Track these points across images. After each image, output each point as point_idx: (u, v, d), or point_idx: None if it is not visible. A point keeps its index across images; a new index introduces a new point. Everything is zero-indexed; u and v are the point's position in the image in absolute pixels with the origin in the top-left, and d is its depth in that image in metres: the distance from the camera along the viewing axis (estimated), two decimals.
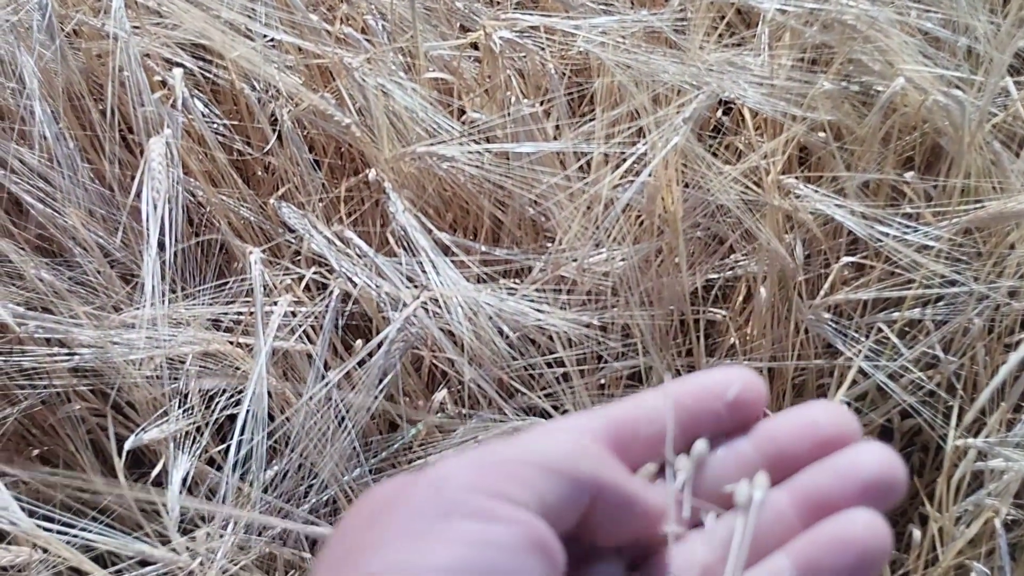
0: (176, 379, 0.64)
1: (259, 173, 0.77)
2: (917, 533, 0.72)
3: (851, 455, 0.26)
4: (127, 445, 0.59)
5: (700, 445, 0.27)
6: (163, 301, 0.63)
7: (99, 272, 0.68)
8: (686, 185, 0.68)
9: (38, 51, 0.66)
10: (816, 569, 0.24)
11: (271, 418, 0.66)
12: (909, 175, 0.72)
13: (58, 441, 0.77)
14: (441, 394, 0.67)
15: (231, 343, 0.63)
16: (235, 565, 0.58)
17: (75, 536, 0.53)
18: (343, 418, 0.62)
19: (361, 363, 0.62)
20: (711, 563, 0.26)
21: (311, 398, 0.62)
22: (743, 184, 0.67)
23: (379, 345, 0.59)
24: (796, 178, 0.67)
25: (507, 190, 0.68)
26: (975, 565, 0.59)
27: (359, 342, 0.71)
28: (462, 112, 0.72)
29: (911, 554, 0.71)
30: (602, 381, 0.70)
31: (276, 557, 0.61)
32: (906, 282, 0.66)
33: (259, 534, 0.61)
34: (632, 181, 0.65)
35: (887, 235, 0.65)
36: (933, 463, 0.81)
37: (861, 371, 0.68)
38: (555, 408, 0.65)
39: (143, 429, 0.61)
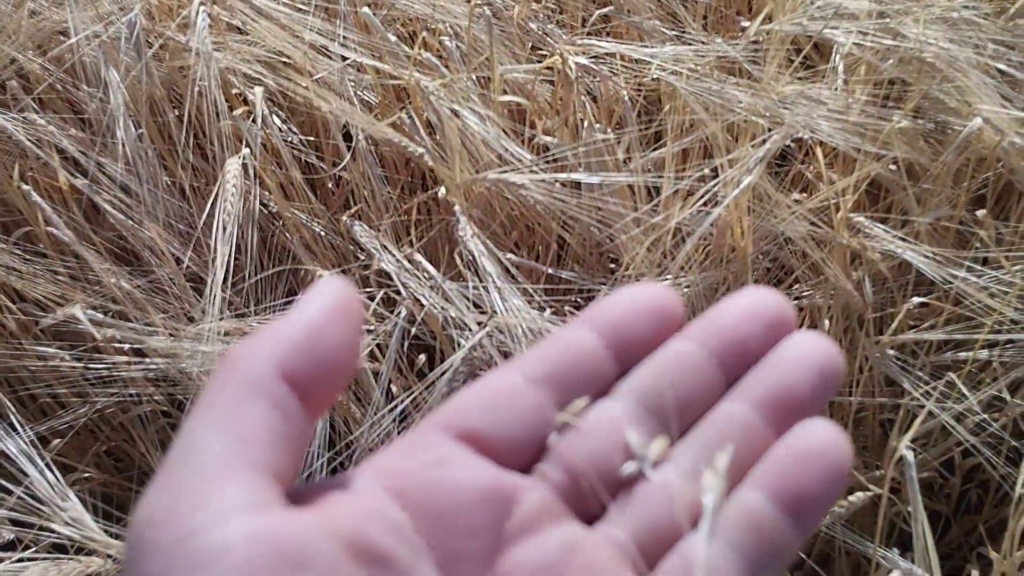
0: None
1: (329, 186, 0.79)
2: (976, 574, 0.71)
3: (795, 345, 0.25)
4: None
5: (579, 403, 0.25)
6: (234, 315, 0.64)
7: (173, 282, 0.70)
8: (754, 215, 0.67)
9: (125, 64, 0.68)
10: (788, 493, 0.23)
11: (336, 433, 0.67)
12: (980, 213, 0.71)
13: (127, 439, 0.79)
14: None
15: None
16: None
17: None
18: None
19: (425, 381, 0.63)
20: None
21: (376, 414, 0.63)
22: (812, 219, 0.66)
23: (443, 372, 0.60)
24: (867, 216, 0.66)
25: (574, 215, 0.69)
26: None
27: (422, 357, 0.72)
28: (532, 136, 0.72)
29: None
30: None
31: None
32: (976, 325, 0.65)
33: None
34: (702, 211, 0.65)
35: (957, 277, 0.65)
36: (992, 500, 0.80)
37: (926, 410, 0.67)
38: None
39: None
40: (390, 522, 0.22)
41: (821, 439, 0.24)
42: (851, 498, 0.62)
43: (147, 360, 0.66)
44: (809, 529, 0.24)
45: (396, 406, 0.61)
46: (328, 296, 0.23)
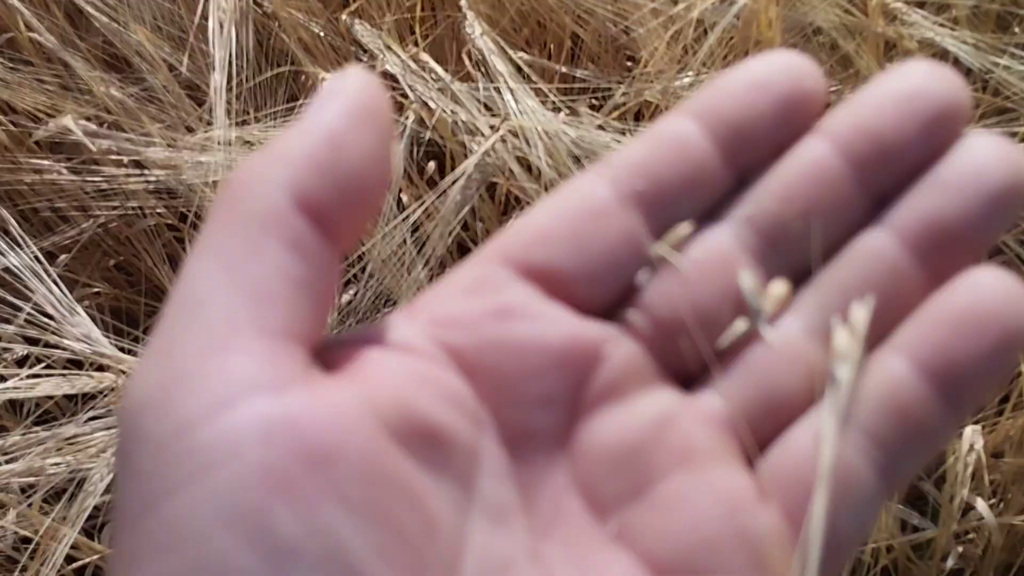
0: None
1: None
2: None
3: (968, 156, 0.19)
4: None
5: (681, 231, 0.20)
6: (234, 123, 0.61)
7: (167, 90, 0.66)
8: (782, 4, 0.63)
9: None
10: (943, 368, 0.18)
11: None
12: None
13: (136, 253, 0.78)
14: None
15: None
16: None
17: None
18: (421, 247, 0.61)
19: (436, 190, 0.61)
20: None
21: (387, 225, 0.61)
22: (844, 6, 0.62)
23: (455, 180, 0.57)
24: (903, 2, 0.62)
25: (590, 8, 0.64)
26: None
27: (431, 164, 0.69)
28: None
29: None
30: None
31: None
32: (1017, 117, 0.61)
33: None
34: (725, 1, 0.60)
35: (998, 65, 0.61)
36: None
37: None
38: None
39: None
40: (446, 391, 0.18)
41: (992, 295, 0.18)
42: None
43: (147, 172, 0.64)
44: (965, 413, 0.19)
45: (407, 217, 0.59)
46: (348, 95, 0.18)
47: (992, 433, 0.62)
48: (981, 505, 0.59)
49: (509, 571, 0.18)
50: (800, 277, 0.20)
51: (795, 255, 0.20)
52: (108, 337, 0.56)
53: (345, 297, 0.65)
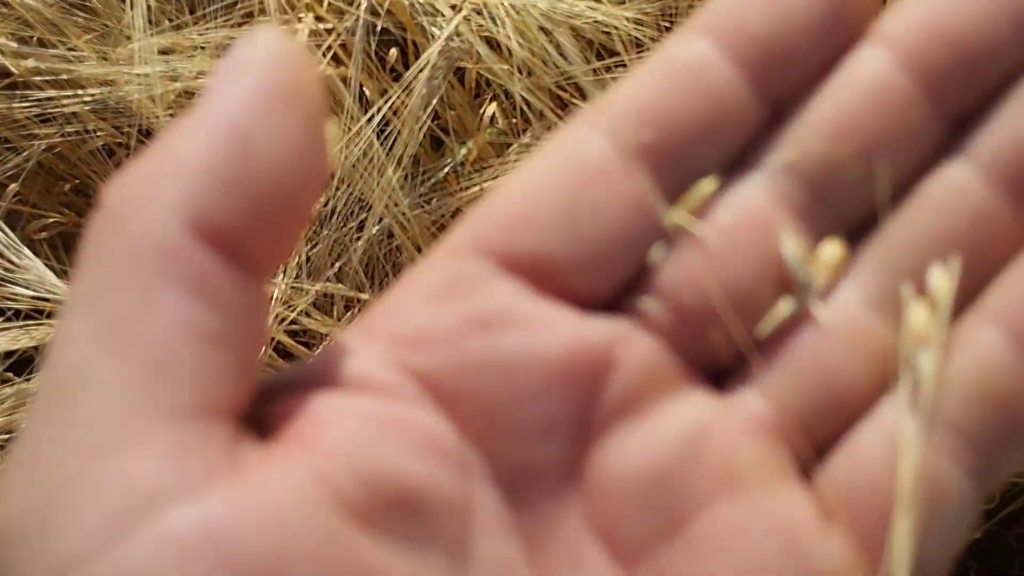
0: None
1: None
2: None
3: None
4: None
5: (703, 188, 0.15)
6: (171, 28, 0.56)
7: None
8: None
9: None
10: None
11: None
12: None
13: (90, 175, 0.73)
14: (490, 108, 0.61)
15: None
16: (291, 310, 0.56)
17: None
18: (391, 146, 0.57)
19: (401, 83, 0.56)
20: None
21: (350, 129, 0.57)
22: None
23: (420, 70, 0.52)
24: None
25: None
26: None
27: (392, 52, 0.64)
28: None
29: None
30: None
31: (333, 297, 0.59)
32: None
33: (311, 276, 0.58)
34: None
35: None
36: None
37: None
38: None
39: None
40: (418, 436, 0.15)
41: None
42: None
43: (82, 92, 0.58)
44: None
45: (372, 117, 0.54)
46: (257, 71, 0.14)
47: None
48: None
49: None
50: (859, 234, 0.16)
51: (852, 206, 0.15)
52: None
53: (315, 207, 0.61)
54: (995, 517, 0.79)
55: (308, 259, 0.60)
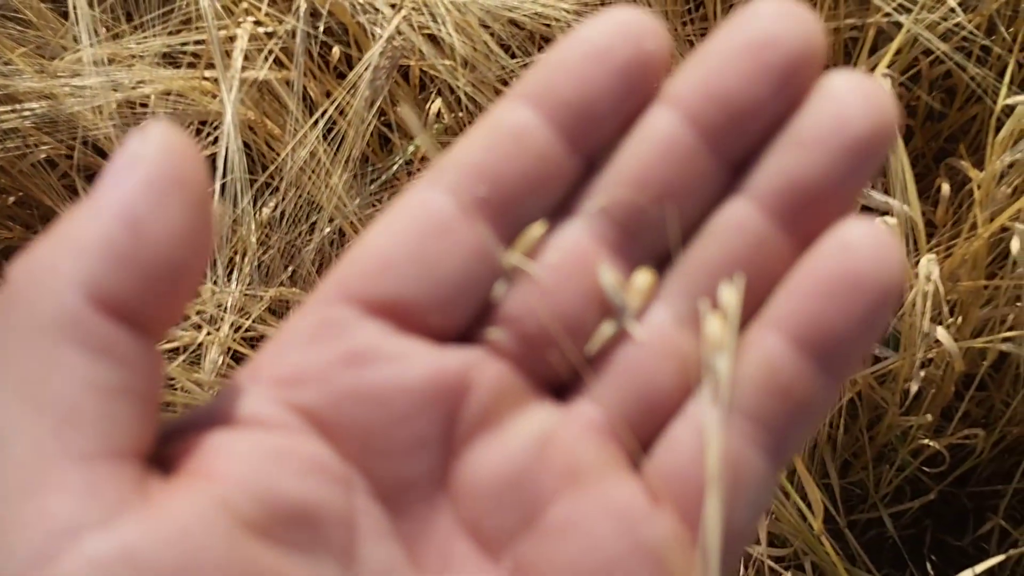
0: (142, 124, 0.58)
1: None
2: (946, 187, 0.69)
3: (824, 107, 0.17)
4: None
5: (533, 232, 0.18)
6: (109, 37, 0.55)
7: (27, 6, 0.59)
8: None
9: None
10: (818, 338, 0.17)
11: (257, 158, 0.61)
12: None
13: (32, 187, 0.72)
14: (435, 104, 0.62)
15: (197, 79, 0.56)
16: (246, 317, 0.56)
17: None
18: (338, 147, 0.57)
19: (346, 84, 0.56)
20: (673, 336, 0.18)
21: (295, 132, 0.57)
22: None
23: (365, 69, 0.52)
24: None
25: None
26: (1016, 226, 0.57)
27: (336, 50, 0.64)
28: None
29: (939, 210, 0.69)
30: None
31: (288, 302, 0.59)
32: None
33: (265, 282, 0.58)
34: None
35: None
36: (958, 104, 0.77)
37: (896, 27, 0.61)
38: None
39: None
40: (305, 461, 0.16)
41: (861, 253, 0.17)
42: None
43: (20, 107, 0.58)
44: (846, 378, 0.18)
45: (317, 120, 0.54)
46: (148, 163, 0.15)
47: (948, 259, 0.61)
48: (941, 333, 0.59)
49: None
50: (665, 262, 0.19)
51: (656, 240, 0.18)
52: None
53: (266, 212, 0.60)
54: (947, 478, 0.82)
55: (260, 265, 0.60)
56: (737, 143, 0.18)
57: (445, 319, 0.18)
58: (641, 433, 0.18)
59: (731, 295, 0.18)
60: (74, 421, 0.15)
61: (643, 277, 0.18)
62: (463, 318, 0.18)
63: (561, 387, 0.19)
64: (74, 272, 0.15)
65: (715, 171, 0.18)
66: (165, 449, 0.16)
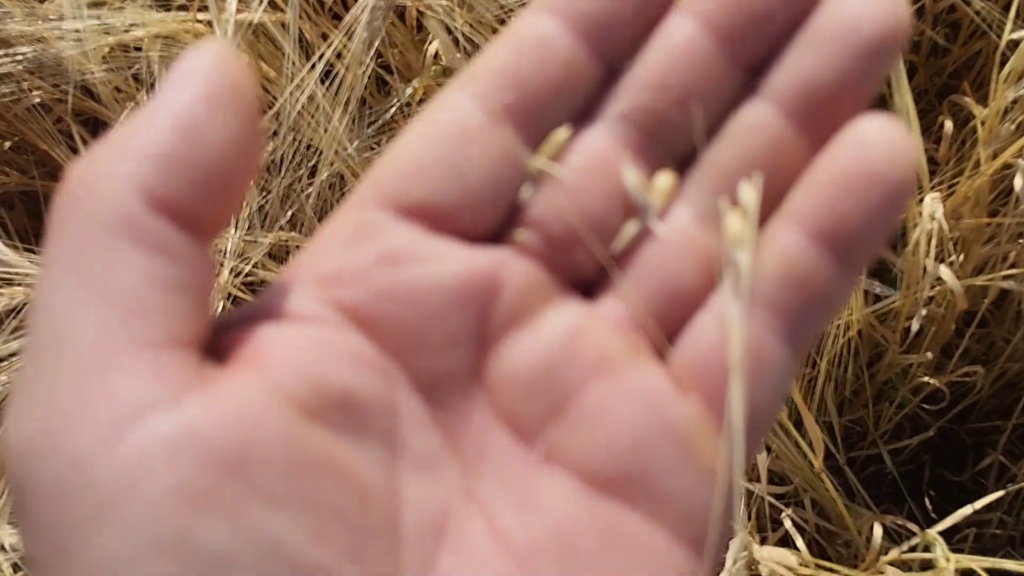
0: (135, 67, 0.57)
1: None
2: (949, 124, 0.69)
3: (837, 9, 0.18)
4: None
5: (558, 137, 0.19)
6: None
7: None
8: None
9: None
10: (834, 232, 0.18)
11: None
12: None
13: (28, 132, 0.71)
14: (433, 46, 0.61)
15: (190, 21, 0.55)
16: (245, 263, 0.56)
17: None
18: (337, 90, 0.56)
19: (342, 27, 0.55)
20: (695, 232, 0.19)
21: (293, 77, 0.56)
22: None
23: (361, 12, 0.51)
24: None
25: None
26: (1020, 163, 0.56)
27: None
28: None
29: (941, 147, 0.69)
30: None
31: (288, 247, 0.59)
32: None
33: (265, 226, 0.58)
34: None
35: None
36: (962, 39, 0.76)
37: None
38: None
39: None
40: (349, 352, 0.17)
41: (874, 149, 0.17)
42: None
43: (13, 51, 0.57)
44: (860, 269, 0.19)
45: (315, 64, 0.53)
46: (205, 76, 0.16)
47: (951, 197, 0.61)
48: (944, 272, 0.59)
49: (448, 516, 0.18)
50: (686, 164, 0.19)
51: (677, 142, 0.19)
52: (15, 247, 0.51)
53: (264, 156, 0.60)
54: (947, 415, 0.82)
55: (260, 209, 0.60)
56: (753, 47, 0.18)
57: (475, 221, 0.19)
58: (666, 326, 0.19)
59: (750, 193, 0.18)
60: (138, 311, 0.16)
61: (665, 178, 0.19)
62: (492, 220, 0.19)
63: (588, 285, 0.19)
64: (132, 175, 0.16)
65: (732, 74, 0.19)
66: (218, 341, 0.17)
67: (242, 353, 0.17)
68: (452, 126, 0.18)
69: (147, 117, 0.16)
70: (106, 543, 0.15)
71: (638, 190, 0.19)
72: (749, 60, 0.19)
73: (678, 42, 0.19)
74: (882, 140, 0.18)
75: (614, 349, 0.19)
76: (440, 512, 0.18)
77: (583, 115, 0.19)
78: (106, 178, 0.16)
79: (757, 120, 0.19)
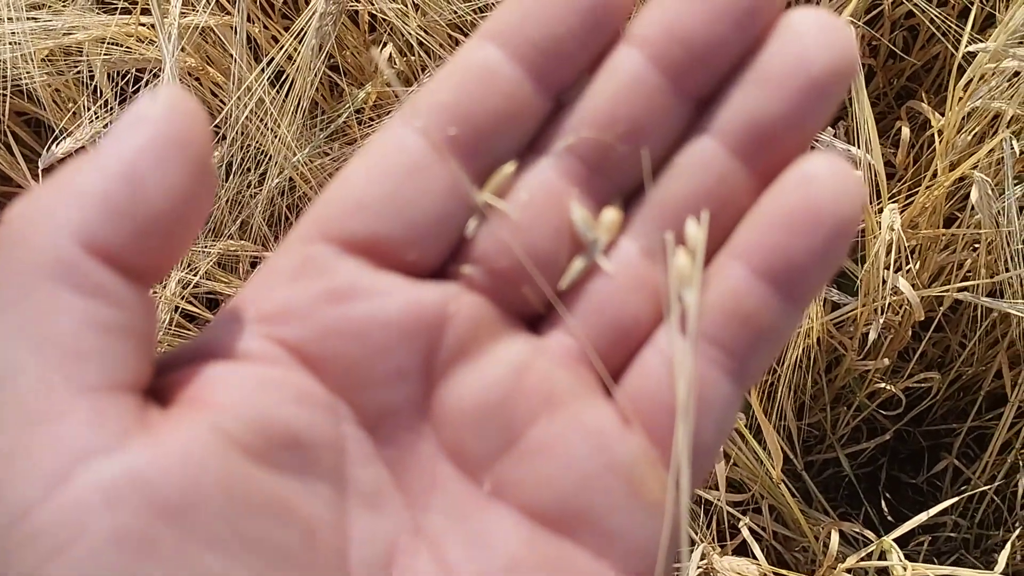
0: (77, 69, 0.55)
1: None
2: (906, 131, 0.69)
3: (785, 45, 0.18)
4: (41, 164, 0.52)
5: (505, 171, 0.18)
6: None
7: None
8: None
9: None
10: (779, 268, 0.18)
11: (205, 104, 0.58)
12: None
13: None
14: (386, 50, 0.59)
15: (133, 25, 0.53)
16: (194, 274, 0.54)
17: None
18: (285, 95, 0.55)
19: (292, 31, 0.54)
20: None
21: (242, 81, 0.54)
22: None
23: (311, 17, 0.50)
24: None
25: None
26: (975, 175, 0.56)
27: None
28: None
29: (899, 153, 0.69)
30: None
31: (238, 256, 0.57)
32: None
33: (213, 235, 0.56)
34: None
35: None
36: (923, 44, 0.76)
37: None
38: None
39: (55, 140, 0.53)
40: (294, 391, 0.17)
41: (821, 186, 0.17)
42: None
43: None
44: (806, 306, 0.19)
45: (263, 69, 0.51)
46: (155, 124, 0.16)
47: (907, 209, 0.61)
48: (903, 283, 0.59)
49: (396, 552, 0.18)
50: (633, 198, 0.19)
51: (624, 177, 0.19)
52: None
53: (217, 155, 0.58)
54: (904, 419, 0.83)
55: (208, 217, 0.58)
56: (700, 81, 0.18)
57: (421, 256, 0.18)
58: (612, 361, 0.19)
59: (697, 230, 0.18)
60: (77, 356, 0.15)
61: (611, 213, 0.19)
62: (438, 255, 0.19)
63: (535, 319, 0.19)
64: (71, 220, 0.16)
65: (679, 109, 0.18)
66: (161, 381, 0.17)
67: (185, 395, 0.17)
68: (396, 159, 0.18)
69: (92, 162, 0.16)
70: None
71: (585, 226, 0.19)
72: (697, 94, 0.18)
73: (625, 75, 0.18)
74: (828, 178, 0.17)
75: (561, 384, 0.18)
76: (388, 548, 0.18)
77: (529, 148, 0.19)
78: (46, 221, 0.16)
79: (704, 156, 0.18)
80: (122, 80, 0.57)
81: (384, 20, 0.59)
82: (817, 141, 0.61)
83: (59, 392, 0.15)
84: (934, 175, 0.59)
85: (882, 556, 0.64)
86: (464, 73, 0.18)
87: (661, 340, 0.18)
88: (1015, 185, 0.58)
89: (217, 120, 0.58)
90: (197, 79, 0.57)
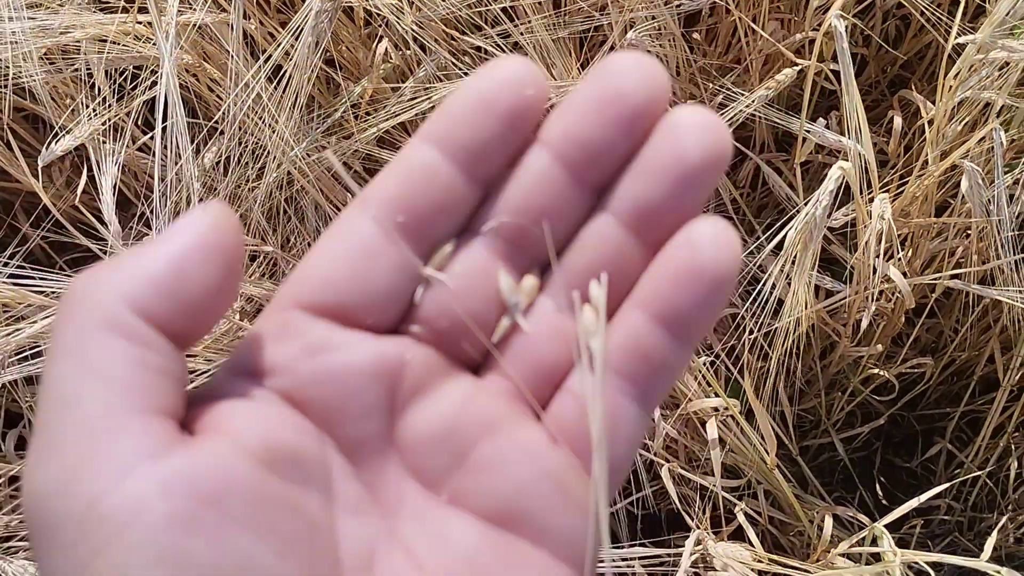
0: (75, 67, 0.56)
1: None
2: (898, 121, 0.69)
3: (666, 141, 0.22)
4: (40, 161, 0.53)
5: (445, 251, 0.23)
6: None
7: None
8: None
9: None
10: (671, 315, 0.22)
11: (202, 104, 0.59)
12: None
13: None
14: (382, 45, 0.60)
15: (131, 23, 0.54)
16: None
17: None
18: (283, 90, 0.55)
19: (288, 28, 0.54)
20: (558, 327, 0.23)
21: (239, 77, 0.55)
22: None
23: (307, 15, 0.50)
24: None
25: None
26: (966, 164, 0.57)
27: None
28: None
29: (891, 142, 0.69)
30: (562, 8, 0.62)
31: None
32: None
33: None
34: None
35: None
36: (915, 33, 0.76)
37: None
38: (510, 48, 0.58)
39: (54, 137, 0.54)
40: (290, 423, 0.22)
41: (704, 247, 0.22)
42: (778, 77, 0.57)
43: None
44: (695, 344, 0.23)
45: (260, 67, 0.52)
46: (200, 232, 0.21)
47: (898, 199, 0.61)
48: (894, 272, 0.59)
49: (375, 551, 0.22)
50: (548, 266, 0.23)
51: (539, 250, 0.23)
52: None
53: (210, 157, 0.59)
54: (897, 404, 0.83)
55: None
56: (596, 174, 0.22)
57: (378, 319, 0.23)
58: (539, 395, 0.23)
59: (598, 291, 0.23)
60: (129, 386, 0.20)
61: (530, 280, 0.23)
62: (392, 318, 0.23)
63: (476, 365, 0.24)
64: (124, 290, 0.20)
65: (581, 196, 0.23)
66: (189, 420, 0.21)
67: (207, 425, 0.21)
68: (354, 243, 0.22)
69: (145, 251, 0.21)
70: (119, 560, 0.19)
71: (509, 291, 0.23)
72: (594, 184, 0.23)
73: (535, 171, 0.22)
74: (709, 240, 0.21)
75: (499, 413, 0.23)
76: (369, 547, 0.22)
77: (463, 229, 0.23)
78: (104, 288, 0.20)
79: (602, 232, 0.23)
80: (120, 77, 0.57)
81: (379, 15, 0.59)
82: (808, 134, 0.61)
83: (117, 413, 0.20)
84: (925, 164, 0.59)
85: (875, 541, 0.65)
86: (409, 171, 0.22)
87: (576, 378, 0.23)
88: (1005, 174, 0.58)
89: (215, 116, 0.58)
90: (195, 76, 0.57)
